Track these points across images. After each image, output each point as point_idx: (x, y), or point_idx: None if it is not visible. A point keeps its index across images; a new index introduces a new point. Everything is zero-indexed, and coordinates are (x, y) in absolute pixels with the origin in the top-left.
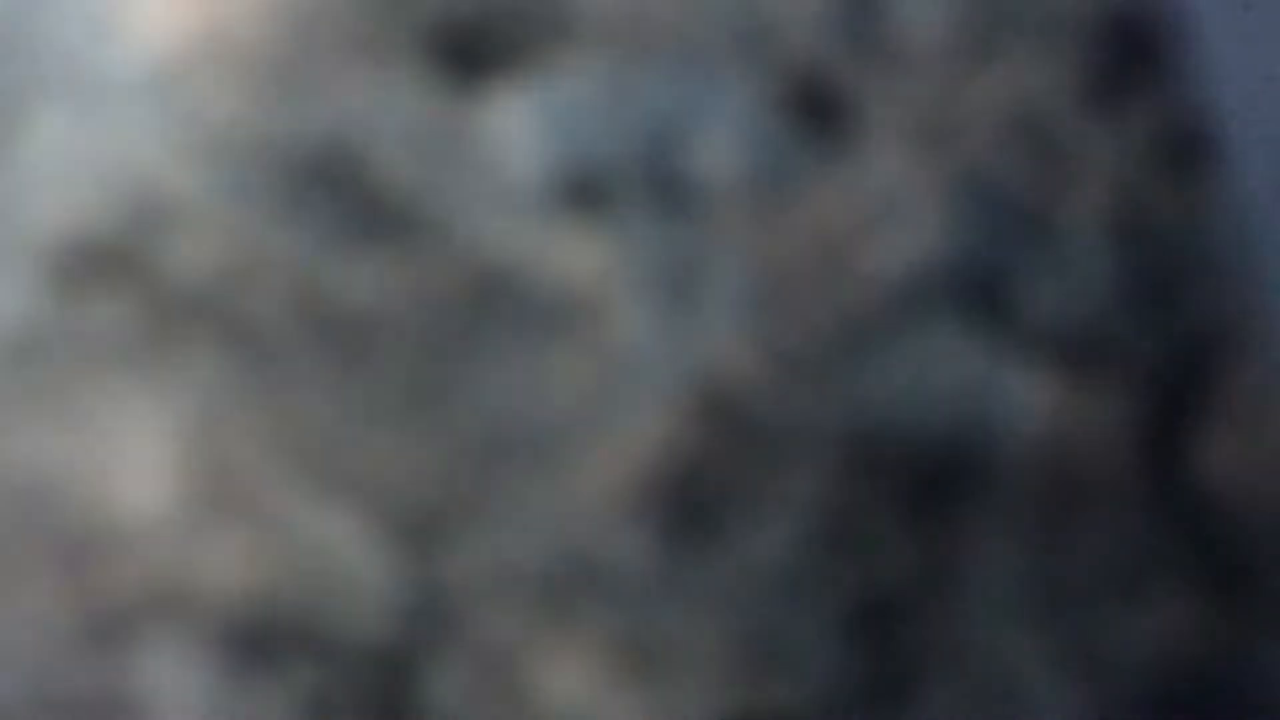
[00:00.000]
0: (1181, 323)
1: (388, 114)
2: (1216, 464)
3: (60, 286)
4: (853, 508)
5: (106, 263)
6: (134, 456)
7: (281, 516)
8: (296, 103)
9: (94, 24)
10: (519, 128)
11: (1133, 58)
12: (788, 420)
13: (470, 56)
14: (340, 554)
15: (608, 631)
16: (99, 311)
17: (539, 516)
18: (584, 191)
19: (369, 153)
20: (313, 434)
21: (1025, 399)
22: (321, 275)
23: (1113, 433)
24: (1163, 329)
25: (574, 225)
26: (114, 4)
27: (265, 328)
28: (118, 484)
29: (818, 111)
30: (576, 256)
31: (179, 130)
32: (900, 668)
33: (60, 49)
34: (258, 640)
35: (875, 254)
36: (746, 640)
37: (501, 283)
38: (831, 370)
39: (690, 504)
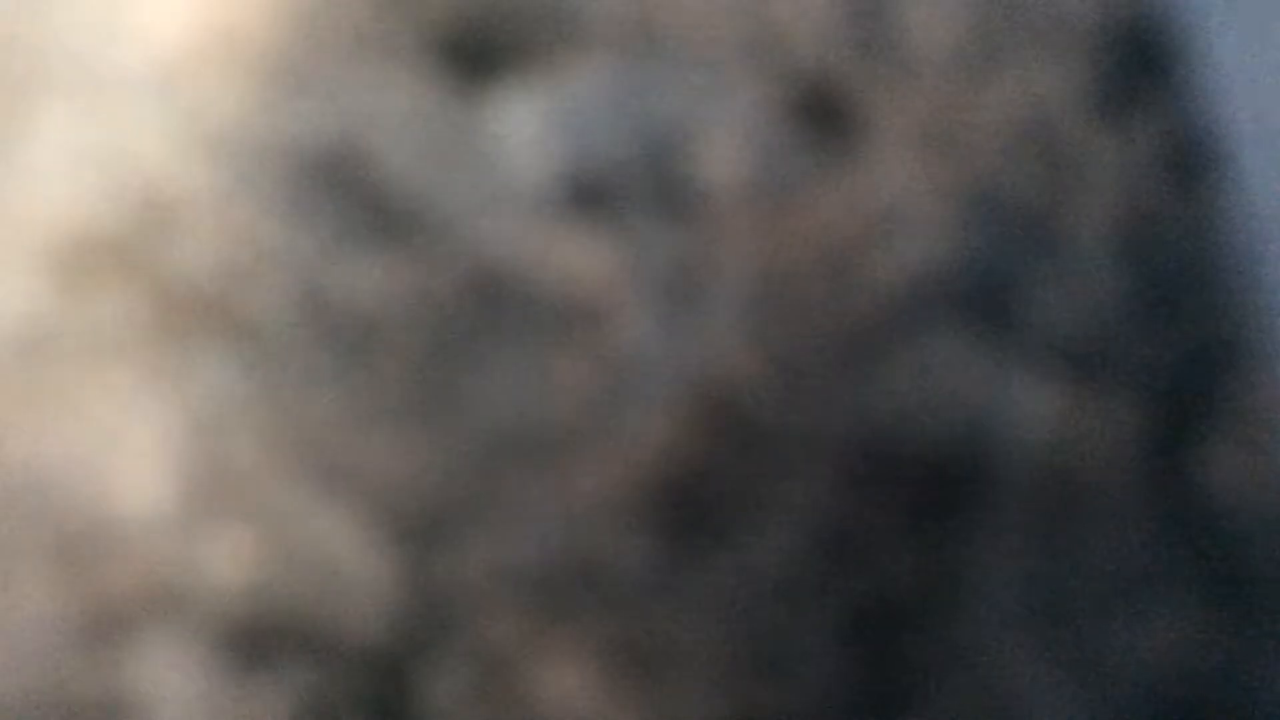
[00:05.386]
0: (1187, 334)
1: (393, 114)
2: (1221, 475)
3: (64, 282)
4: (855, 515)
5: (110, 259)
6: (135, 453)
7: (282, 516)
8: (302, 101)
9: (100, 21)
10: (525, 129)
11: (1140, 69)
12: (791, 426)
13: (477, 57)
14: (340, 554)
15: (607, 635)
16: (102, 308)
17: (540, 519)
18: (589, 194)
19: (374, 152)
20: (314, 433)
21: (1030, 408)
22: (325, 274)
23: (1117, 443)
24: (1168, 340)
25: (578, 228)
26: (120, 1)
27: (268, 326)
28: (118, 481)
29: (824, 118)
30: (581, 259)
31: (184, 127)
32: (901, 675)
33: (66, 46)
34: (256, 640)
35: (881, 261)
36: (746, 646)
37: (505, 284)
38: (835, 377)
39: (691, 509)
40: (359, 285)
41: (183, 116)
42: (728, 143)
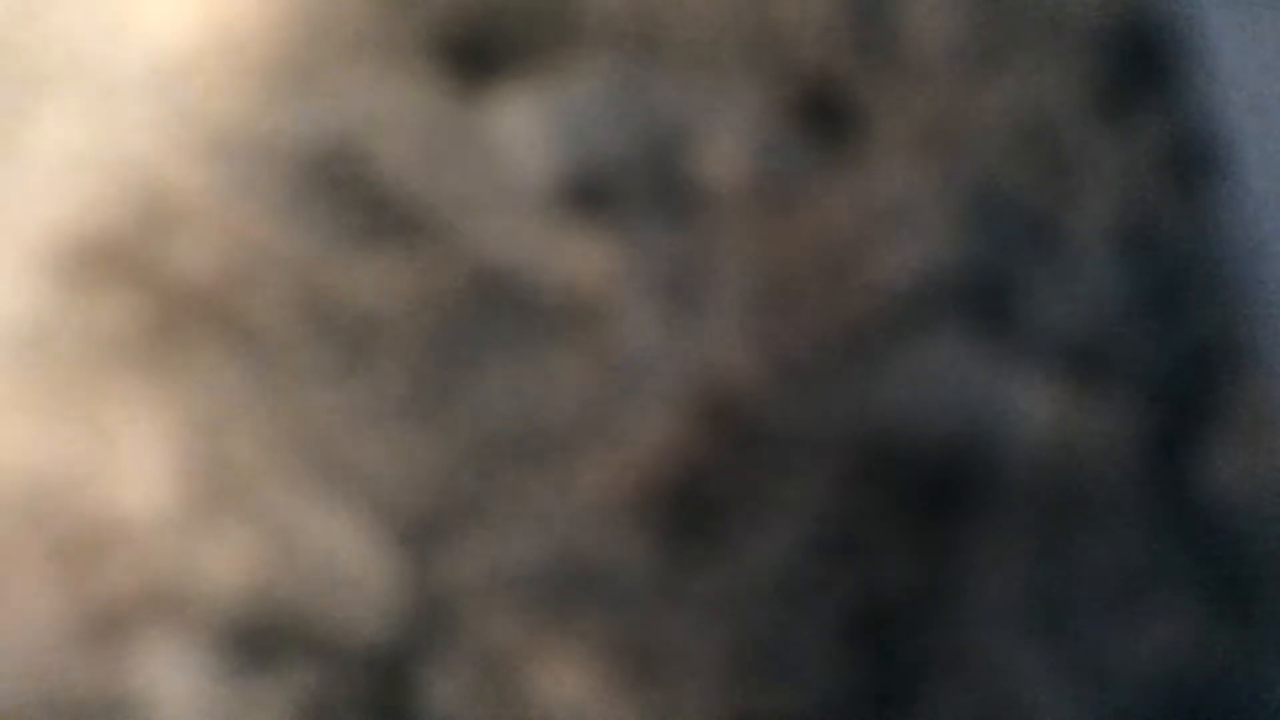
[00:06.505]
0: (1187, 334)
1: (395, 114)
2: (1221, 477)
3: (64, 283)
4: (856, 515)
5: (111, 260)
6: (135, 455)
7: (282, 517)
8: (303, 101)
9: (101, 21)
10: (526, 129)
11: (1141, 69)
12: (791, 426)
13: (478, 57)
14: (341, 555)
15: (608, 636)
16: (102, 308)
17: (540, 520)
18: (590, 194)
19: (375, 152)
20: (315, 434)
21: (1030, 408)
22: (326, 274)
23: (1117, 444)
24: (1169, 340)
25: (579, 228)
26: (120, 1)
27: (269, 327)
28: (118, 481)
29: (825, 118)
30: (581, 259)
31: (186, 128)
32: (902, 676)
33: (67, 46)
34: (257, 641)
35: (881, 261)
36: (747, 646)
37: (506, 284)
38: (836, 377)
39: (692, 509)
40: (359, 285)
41: (183, 116)
42: (728, 143)
